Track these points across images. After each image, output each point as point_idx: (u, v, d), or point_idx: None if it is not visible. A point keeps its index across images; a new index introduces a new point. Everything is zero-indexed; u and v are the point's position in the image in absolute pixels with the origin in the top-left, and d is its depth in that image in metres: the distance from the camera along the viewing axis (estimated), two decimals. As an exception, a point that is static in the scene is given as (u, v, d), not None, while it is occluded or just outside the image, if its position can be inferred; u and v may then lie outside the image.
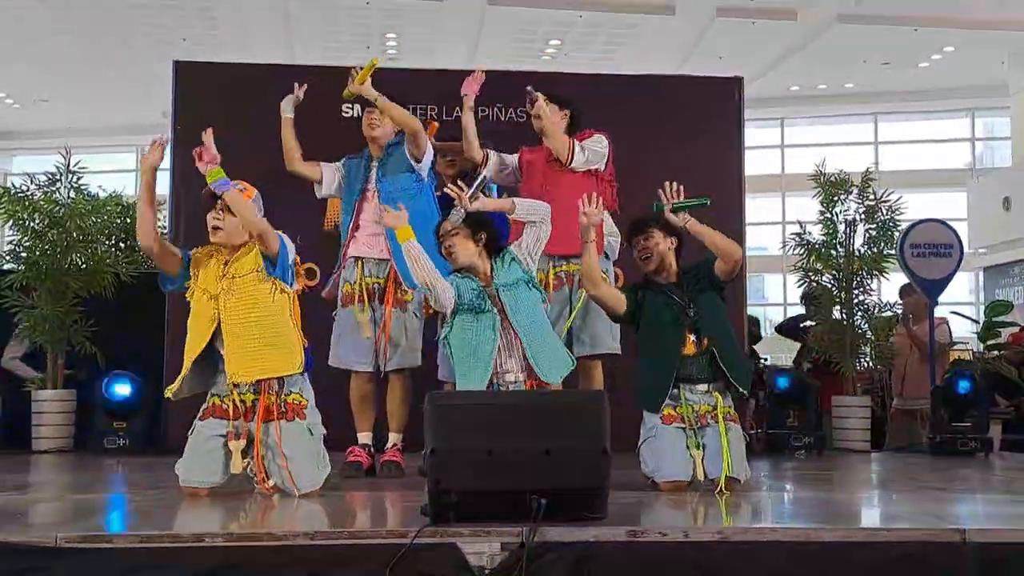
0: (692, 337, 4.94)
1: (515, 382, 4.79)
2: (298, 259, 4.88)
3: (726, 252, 4.95)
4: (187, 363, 4.68)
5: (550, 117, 5.60)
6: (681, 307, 4.97)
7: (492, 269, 4.95)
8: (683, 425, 4.86)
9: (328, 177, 5.81)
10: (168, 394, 4.75)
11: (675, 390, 4.94)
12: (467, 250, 4.93)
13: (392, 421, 5.60)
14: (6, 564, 3.29)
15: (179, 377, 4.70)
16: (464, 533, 3.45)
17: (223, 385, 4.68)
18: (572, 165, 5.55)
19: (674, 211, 5.03)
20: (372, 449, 5.59)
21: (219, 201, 4.69)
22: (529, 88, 5.65)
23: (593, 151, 5.61)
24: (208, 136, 4.76)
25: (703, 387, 4.94)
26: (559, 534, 3.44)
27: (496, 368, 4.80)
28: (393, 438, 5.59)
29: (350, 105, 7.52)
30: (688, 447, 4.80)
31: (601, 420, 3.63)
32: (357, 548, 3.41)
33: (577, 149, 5.56)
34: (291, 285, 4.77)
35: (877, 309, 8.11)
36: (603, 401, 3.74)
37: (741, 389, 4.94)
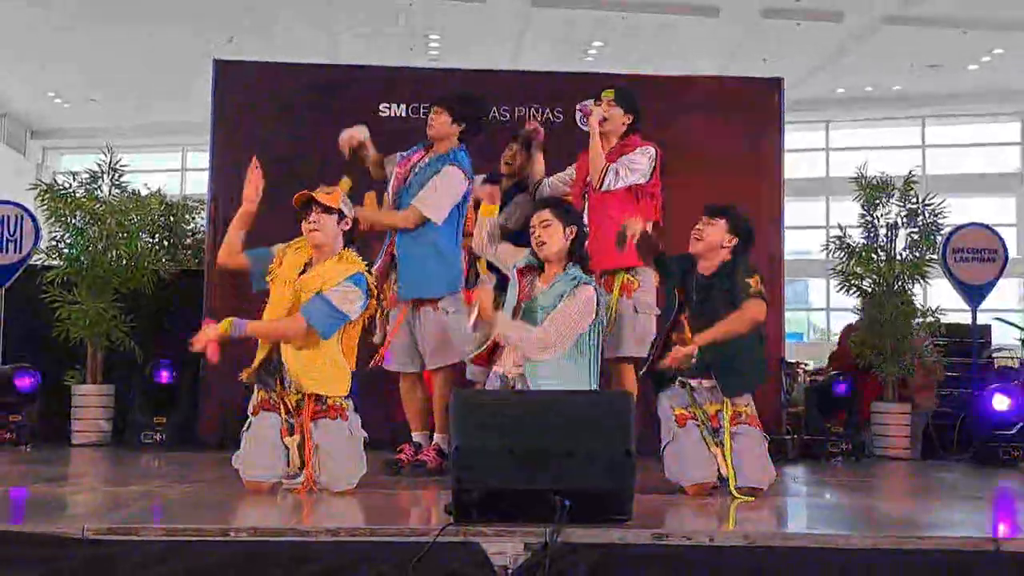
0: (689, 326, 4.88)
1: (519, 376, 4.74)
2: (372, 283, 4.88)
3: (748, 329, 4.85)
4: (258, 358, 4.77)
5: (596, 134, 5.54)
6: (692, 291, 4.95)
7: (556, 276, 4.88)
8: (698, 423, 4.81)
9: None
10: (243, 377, 4.80)
11: (682, 389, 4.90)
12: (557, 243, 4.89)
13: (437, 420, 5.57)
14: (35, 554, 3.32)
15: (256, 360, 4.76)
16: (487, 532, 3.43)
17: (271, 380, 4.72)
18: (602, 188, 5.49)
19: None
20: (420, 448, 5.58)
21: (312, 205, 4.75)
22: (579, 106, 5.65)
23: (630, 169, 5.49)
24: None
25: (708, 382, 4.87)
26: (583, 535, 3.41)
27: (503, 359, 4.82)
28: (437, 438, 5.55)
29: (387, 104, 7.56)
30: (707, 443, 4.74)
31: (626, 421, 3.61)
32: (380, 546, 3.41)
33: (609, 174, 5.47)
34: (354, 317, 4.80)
35: (919, 314, 7.99)
36: (629, 402, 3.71)
37: (724, 394, 4.84)
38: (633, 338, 5.42)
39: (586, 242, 5.04)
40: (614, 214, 5.34)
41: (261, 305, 4.87)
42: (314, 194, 4.78)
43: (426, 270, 5.45)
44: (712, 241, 5.00)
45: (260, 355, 4.76)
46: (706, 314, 4.85)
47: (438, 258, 5.48)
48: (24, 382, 7.45)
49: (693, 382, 4.89)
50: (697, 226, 5.05)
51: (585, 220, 5.32)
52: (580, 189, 5.67)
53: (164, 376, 7.61)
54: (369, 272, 4.89)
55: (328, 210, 4.76)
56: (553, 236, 4.86)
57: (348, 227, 4.84)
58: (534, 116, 7.67)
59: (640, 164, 5.50)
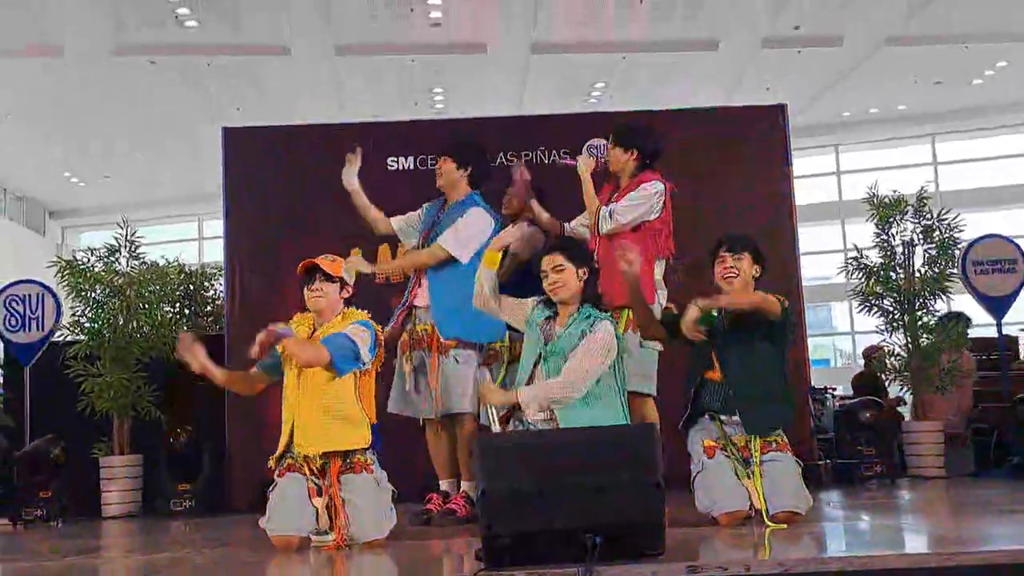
0: (717, 362, 4.87)
1: (545, 420, 4.69)
2: (380, 332, 4.96)
3: (767, 312, 4.87)
4: (284, 433, 4.81)
5: (586, 181, 5.60)
6: (718, 325, 4.90)
7: (571, 317, 4.85)
8: (727, 454, 4.77)
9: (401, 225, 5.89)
10: (271, 463, 4.82)
11: (711, 422, 4.88)
12: (572, 287, 4.86)
13: (463, 468, 5.54)
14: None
15: (280, 446, 4.81)
16: (520, 576, 3.40)
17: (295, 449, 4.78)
18: (600, 233, 5.47)
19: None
20: (449, 497, 5.56)
21: (317, 274, 4.84)
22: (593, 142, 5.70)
23: (627, 208, 5.44)
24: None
25: (735, 417, 4.86)
26: (616, 572, 3.37)
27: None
28: (465, 486, 5.51)
29: (395, 158, 7.62)
30: (738, 475, 4.70)
31: (652, 452, 3.57)
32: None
33: (602, 218, 5.45)
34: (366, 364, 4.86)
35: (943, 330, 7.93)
36: (653, 433, 3.68)
37: (748, 433, 4.82)
38: (639, 373, 5.30)
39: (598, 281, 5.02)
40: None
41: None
42: (319, 262, 4.87)
43: (468, 313, 5.36)
44: (746, 276, 5.01)
45: (284, 440, 4.80)
46: (735, 344, 4.87)
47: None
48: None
49: (723, 417, 4.86)
50: (727, 264, 5.00)
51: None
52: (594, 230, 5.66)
53: (185, 445, 7.63)
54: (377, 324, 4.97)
55: (331, 278, 4.87)
56: (568, 280, 4.83)
57: (348, 295, 4.96)
58: (541, 159, 7.72)
59: (636, 201, 5.44)
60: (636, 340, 5.34)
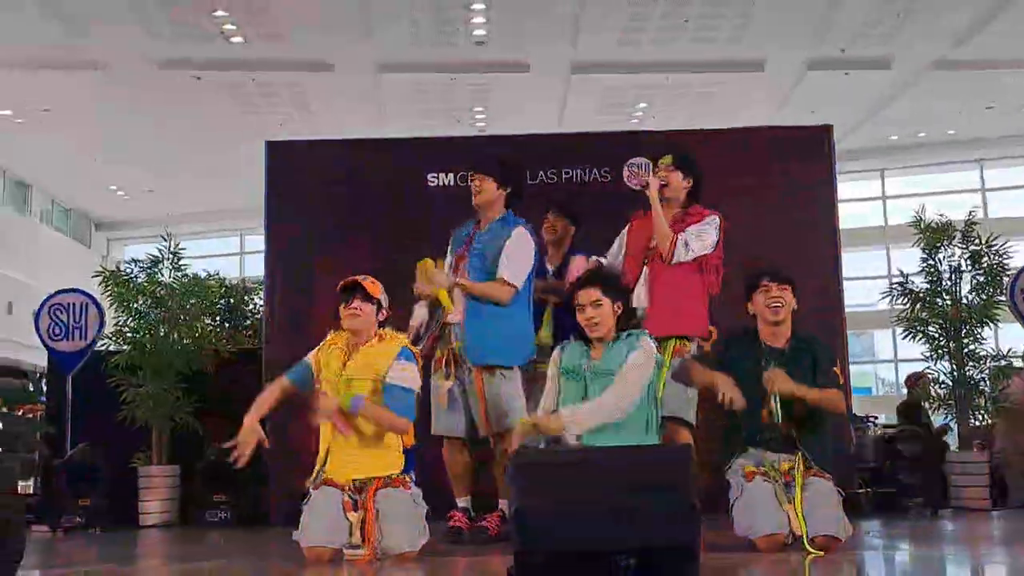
0: (773, 404, 4.75)
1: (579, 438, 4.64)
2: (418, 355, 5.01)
3: (834, 410, 4.88)
4: (321, 455, 4.83)
5: (657, 204, 5.42)
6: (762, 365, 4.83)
7: (608, 345, 4.76)
8: (768, 480, 4.70)
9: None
10: (308, 485, 4.82)
11: (756, 451, 4.81)
12: (609, 322, 4.73)
13: (501, 487, 5.44)
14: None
15: (316, 469, 4.82)
16: (552, 596, 3.35)
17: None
18: (673, 262, 5.36)
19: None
20: (471, 513, 5.52)
21: (356, 293, 4.84)
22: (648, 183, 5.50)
23: (701, 241, 5.39)
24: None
25: (788, 458, 4.78)
26: (650, 595, 3.32)
27: None
28: (502, 504, 5.43)
29: (435, 174, 7.61)
30: (778, 499, 4.62)
31: (688, 474, 3.52)
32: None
33: (679, 246, 5.35)
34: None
35: (990, 359, 7.79)
36: (689, 455, 3.63)
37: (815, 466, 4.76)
38: (683, 399, 5.25)
39: (633, 314, 4.98)
40: (677, 284, 5.32)
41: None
42: (360, 280, 4.86)
43: (499, 338, 5.37)
44: (789, 308, 4.96)
45: (320, 462, 4.83)
46: (804, 381, 4.79)
47: (511, 326, 5.44)
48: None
49: (771, 456, 4.78)
50: (772, 294, 4.93)
51: (642, 287, 5.33)
52: (640, 255, 5.50)
53: (212, 460, 7.65)
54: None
55: (369, 299, 4.86)
56: (605, 315, 4.72)
57: (383, 318, 4.95)
58: (581, 178, 7.70)
59: (709, 236, 5.40)
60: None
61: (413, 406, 4.82)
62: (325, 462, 4.79)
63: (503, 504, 5.44)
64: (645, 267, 5.44)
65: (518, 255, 5.44)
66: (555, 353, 4.89)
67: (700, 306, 5.37)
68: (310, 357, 4.98)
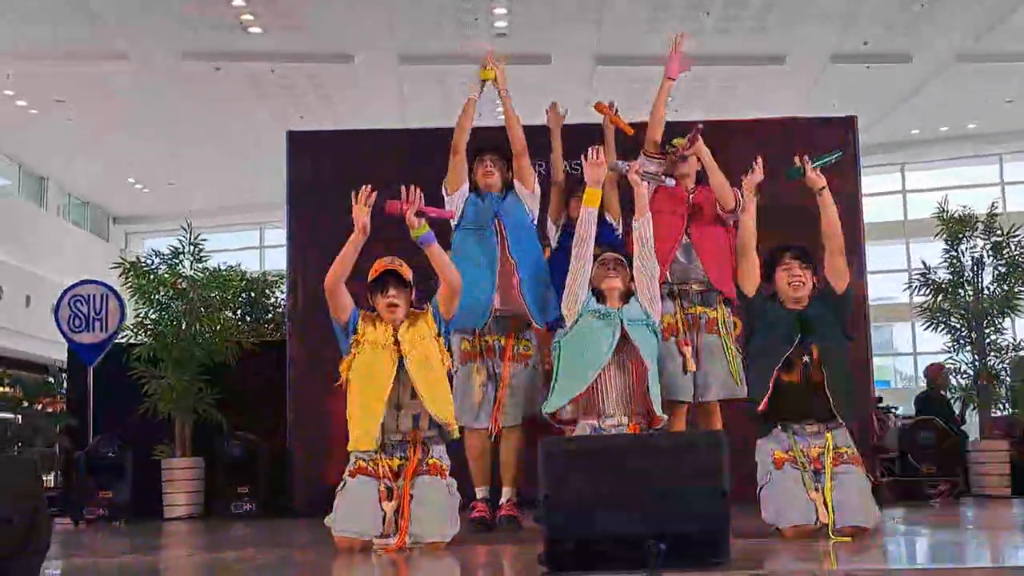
0: (803, 360, 4.81)
1: (618, 426, 4.79)
2: None
3: (834, 231, 5.03)
4: (376, 413, 4.72)
5: (710, 158, 5.58)
6: (799, 323, 4.88)
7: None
8: (796, 467, 4.68)
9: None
10: (350, 448, 4.78)
11: (783, 432, 4.79)
12: (625, 282, 5.07)
13: (506, 475, 5.56)
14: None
15: (365, 431, 4.73)
16: (582, 581, 3.35)
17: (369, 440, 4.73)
18: (736, 210, 5.49)
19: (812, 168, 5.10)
20: (491, 503, 5.54)
21: (392, 279, 4.84)
22: (700, 126, 5.65)
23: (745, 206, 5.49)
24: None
25: (812, 427, 4.78)
26: (680, 580, 3.31)
27: (599, 410, 4.86)
28: (507, 492, 5.54)
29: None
30: (806, 487, 4.60)
31: (719, 460, 3.51)
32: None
33: (746, 198, 5.43)
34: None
35: (1011, 348, 7.77)
36: (721, 441, 3.62)
37: (840, 418, 4.77)
38: (734, 377, 5.36)
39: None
40: (722, 247, 5.55)
41: (335, 375, 4.89)
42: (393, 266, 4.86)
43: (550, 300, 5.49)
44: (809, 287, 5.02)
45: (376, 414, 4.71)
46: (819, 332, 4.86)
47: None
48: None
49: (796, 425, 4.78)
50: (794, 272, 4.99)
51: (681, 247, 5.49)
52: (680, 217, 5.58)
53: (236, 453, 7.67)
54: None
55: (405, 284, 4.86)
56: (621, 278, 5.09)
57: (414, 299, 4.96)
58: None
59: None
60: (720, 343, 5.35)
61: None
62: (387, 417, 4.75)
63: (510, 492, 5.52)
64: (687, 229, 5.54)
65: (533, 203, 5.73)
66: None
67: (731, 272, 5.44)
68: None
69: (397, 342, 4.77)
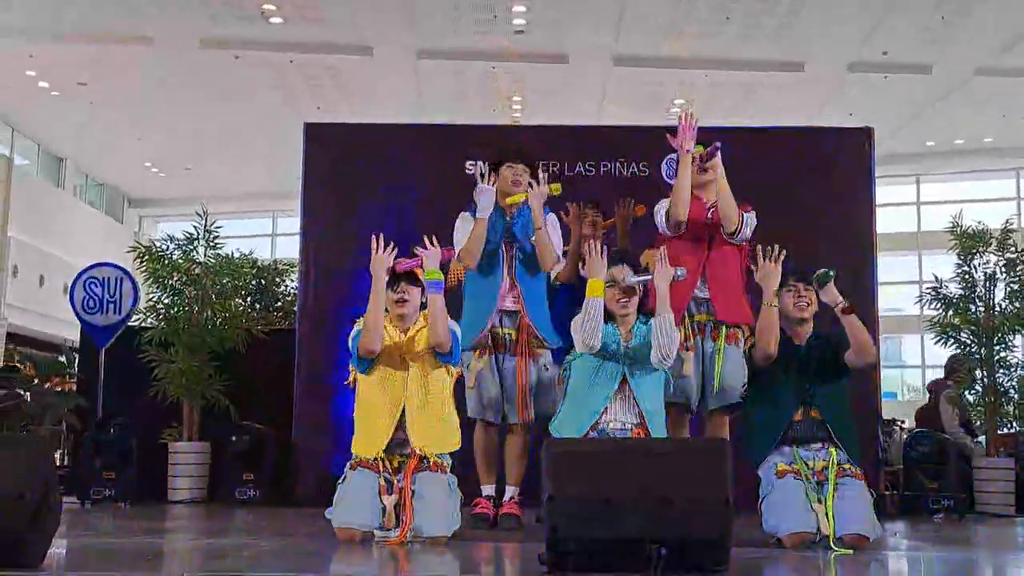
0: (801, 405, 4.88)
1: (622, 429, 4.78)
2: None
3: (865, 349, 4.90)
4: (380, 429, 4.79)
5: (725, 183, 5.44)
6: (801, 375, 4.90)
7: (633, 328, 4.96)
8: (799, 478, 4.71)
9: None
10: (353, 449, 4.85)
11: (786, 448, 4.84)
12: (634, 311, 4.97)
13: (510, 473, 5.57)
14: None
15: (372, 447, 4.79)
16: (581, 582, 3.38)
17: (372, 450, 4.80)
18: (737, 239, 5.42)
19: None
20: (496, 500, 5.57)
21: (401, 278, 4.87)
22: (719, 144, 5.49)
23: (751, 227, 5.47)
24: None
25: (816, 444, 4.83)
26: (679, 585, 3.34)
27: (604, 412, 4.83)
28: (510, 491, 5.54)
29: (472, 162, 7.59)
30: (809, 498, 4.63)
31: (723, 469, 3.54)
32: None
33: (746, 222, 5.41)
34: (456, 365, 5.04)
35: (1020, 367, 7.76)
36: (725, 449, 3.65)
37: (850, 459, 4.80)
38: (740, 384, 5.30)
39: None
40: (733, 275, 5.47)
41: (344, 368, 4.94)
42: (408, 266, 4.89)
43: (550, 320, 5.53)
44: (814, 309, 5.03)
45: (387, 427, 4.78)
46: (821, 388, 4.90)
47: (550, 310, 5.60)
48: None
49: (803, 450, 4.81)
50: (799, 293, 5.00)
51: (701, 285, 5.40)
52: (702, 239, 5.47)
53: (244, 441, 7.70)
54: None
55: (416, 282, 4.89)
56: (632, 307, 4.98)
57: (424, 300, 4.95)
58: (619, 171, 7.71)
59: (753, 224, 5.49)
60: (738, 354, 5.33)
61: (455, 345, 4.87)
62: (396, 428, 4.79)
63: (514, 491, 5.53)
64: (707, 253, 5.46)
65: (557, 240, 5.61)
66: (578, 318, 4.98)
67: (746, 298, 5.46)
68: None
69: (403, 355, 4.83)
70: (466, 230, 5.49)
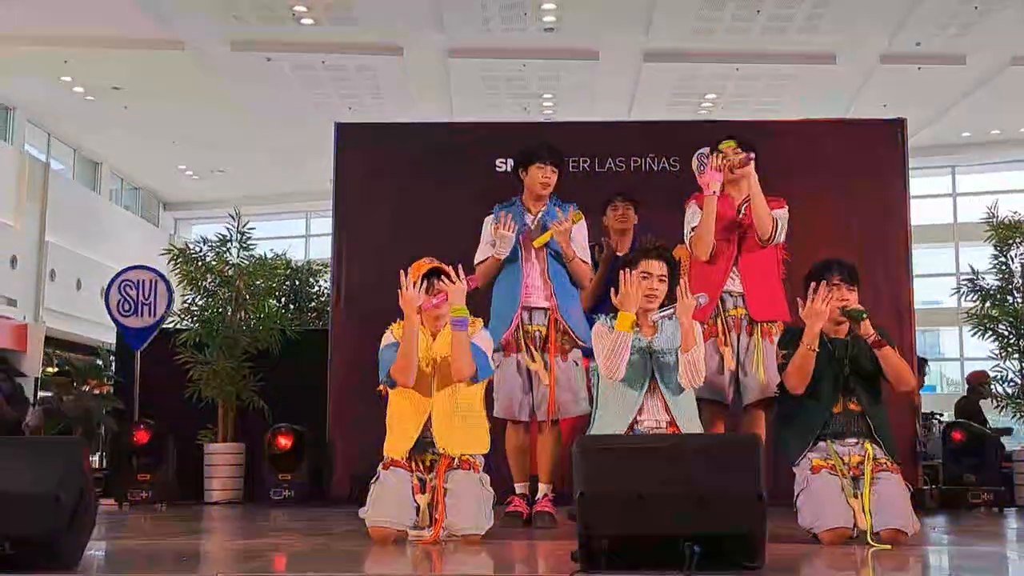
0: (842, 399, 4.81)
1: (656, 427, 4.73)
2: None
3: (902, 380, 4.84)
4: (409, 435, 4.76)
5: (758, 190, 5.35)
6: (842, 366, 4.82)
7: (657, 321, 4.87)
8: (835, 473, 4.66)
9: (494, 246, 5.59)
10: (385, 451, 4.80)
11: (822, 443, 4.78)
12: (662, 297, 4.88)
13: (543, 471, 5.57)
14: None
15: (400, 449, 4.76)
16: (615, 580, 3.36)
17: (400, 452, 4.78)
18: (771, 243, 5.39)
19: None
20: (529, 498, 5.56)
21: (438, 277, 4.79)
22: (753, 155, 5.39)
23: (784, 228, 5.43)
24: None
25: (852, 440, 4.77)
26: (713, 582, 3.31)
27: (639, 412, 4.78)
28: (543, 488, 5.54)
29: (503, 160, 7.58)
30: (845, 494, 4.58)
31: (756, 464, 3.50)
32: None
33: (780, 229, 5.37)
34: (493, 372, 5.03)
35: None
36: (758, 444, 3.61)
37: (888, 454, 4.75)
38: (775, 378, 5.21)
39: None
40: (769, 270, 5.45)
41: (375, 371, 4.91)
42: (440, 266, 4.82)
43: (580, 315, 5.54)
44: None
45: (412, 430, 4.75)
46: (861, 379, 4.83)
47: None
48: (142, 437, 7.64)
49: (839, 445, 4.75)
50: (842, 294, 4.88)
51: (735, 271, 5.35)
52: (732, 238, 5.43)
53: (281, 443, 7.72)
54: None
55: (449, 279, 4.81)
56: (663, 294, 4.88)
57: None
58: (649, 166, 7.69)
59: (785, 223, 5.44)
60: (773, 351, 5.24)
61: (484, 364, 4.82)
62: (419, 441, 4.76)
63: (547, 488, 5.53)
64: (739, 254, 5.42)
65: (583, 241, 5.59)
66: (600, 327, 4.90)
67: (783, 292, 5.44)
68: (391, 339, 4.85)
69: (434, 362, 4.79)
70: (488, 245, 5.54)
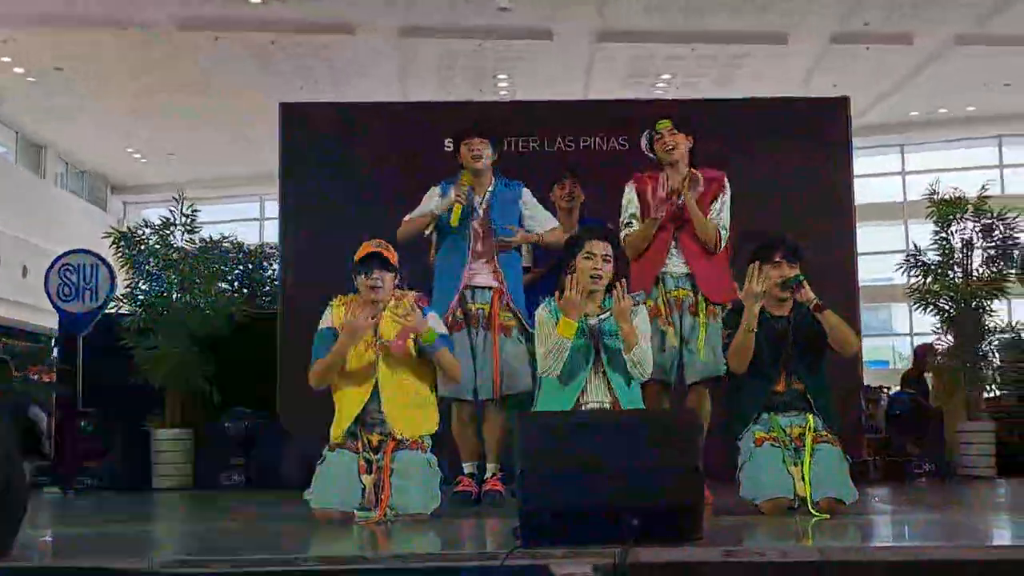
0: (784, 376, 4.87)
1: (599, 403, 4.73)
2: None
3: (844, 344, 4.87)
4: (349, 416, 4.76)
5: (696, 210, 5.30)
6: (784, 347, 4.87)
7: (603, 302, 4.86)
8: (777, 444, 4.71)
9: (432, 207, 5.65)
10: (334, 437, 4.78)
11: (764, 415, 4.83)
12: (608, 277, 4.85)
13: (490, 450, 5.58)
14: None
15: (341, 430, 4.76)
16: (556, 555, 3.37)
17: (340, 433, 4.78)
18: (718, 251, 5.36)
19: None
20: (478, 477, 5.56)
21: (375, 263, 4.79)
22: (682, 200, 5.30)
23: (726, 219, 5.40)
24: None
25: (794, 412, 4.83)
26: (653, 555, 3.32)
27: (583, 393, 4.77)
28: (491, 467, 5.56)
29: (451, 140, 7.52)
30: (785, 463, 4.63)
31: (693, 437, 3.54)
32: (448, 571, 3.37)
33: (723, 236, 5.35)
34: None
35: (999, 331, 7.80)
36: (694, 418, 3.65)
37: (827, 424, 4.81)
38: (720, 357, 5.19)
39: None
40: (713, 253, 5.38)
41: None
42: (379, 249, 4.82)
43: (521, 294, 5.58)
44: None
45: (352, 410, 4.76)
46: (803, 357, 4.88)
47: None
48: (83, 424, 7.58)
49: (781, 417, 4.81)
50: (784, 271, 4.91)
51: (677, 253, 5.33)
52: (667, 222, 5.36)
53: (237, 429, 7.68)
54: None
55: (389, 267, 4.82)
56: (608, 274, 4.85)
57: (399, 283, 4.93)
58: (599, 145, 7.70)
59: (727, 210, 5.41)
60: (718, 328, 5.25)
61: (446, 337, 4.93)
62: (360, 416, 4.76)
63: (492, 467, 5.55)
64: (675, 236, 5.36)
65: (541, 214, 5.70)
66: (543, 312, 4.88)
67: (729, 272, 5.41)
68: (330, 323, 4.88)
69: (380, 345, 4.77)
70: (425, 209, 5.58)
